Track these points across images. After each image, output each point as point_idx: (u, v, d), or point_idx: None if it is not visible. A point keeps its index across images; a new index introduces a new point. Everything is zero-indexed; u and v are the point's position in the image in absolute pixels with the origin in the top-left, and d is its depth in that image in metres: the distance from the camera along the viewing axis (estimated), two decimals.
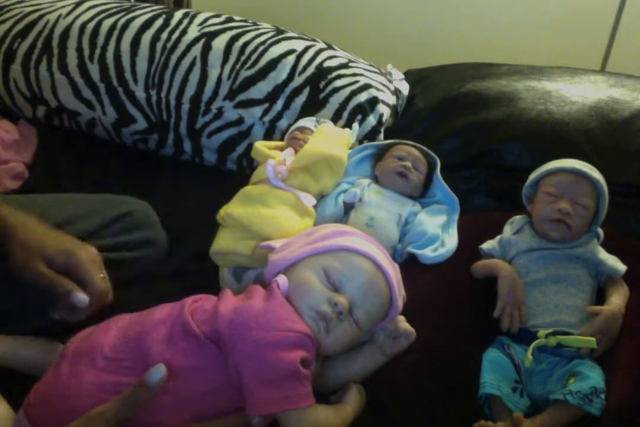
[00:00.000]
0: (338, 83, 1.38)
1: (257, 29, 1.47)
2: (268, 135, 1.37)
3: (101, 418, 0.69)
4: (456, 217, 1.19)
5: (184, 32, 1.44)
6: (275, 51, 1.40)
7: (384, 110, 1.40)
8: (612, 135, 1.32)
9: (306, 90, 1.37)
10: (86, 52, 1.44)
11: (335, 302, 0.83)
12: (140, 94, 1.41)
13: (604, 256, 1.06)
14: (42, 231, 0.86)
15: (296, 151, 1.19)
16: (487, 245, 1.12)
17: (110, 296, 0.85)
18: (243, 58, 1.40)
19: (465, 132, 1.38)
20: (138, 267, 1.06)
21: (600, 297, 1.04)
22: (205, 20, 1.48)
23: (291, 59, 1.40)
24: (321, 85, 1.37)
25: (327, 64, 1.41)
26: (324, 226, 0.99)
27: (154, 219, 1.10)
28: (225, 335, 0.78)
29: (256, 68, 1.38)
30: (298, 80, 1.38)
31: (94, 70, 1.43)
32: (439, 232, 1.14)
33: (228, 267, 1.09)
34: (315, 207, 1.15)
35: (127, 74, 1.41)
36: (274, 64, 1.39)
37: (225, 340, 0.78)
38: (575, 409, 0.88)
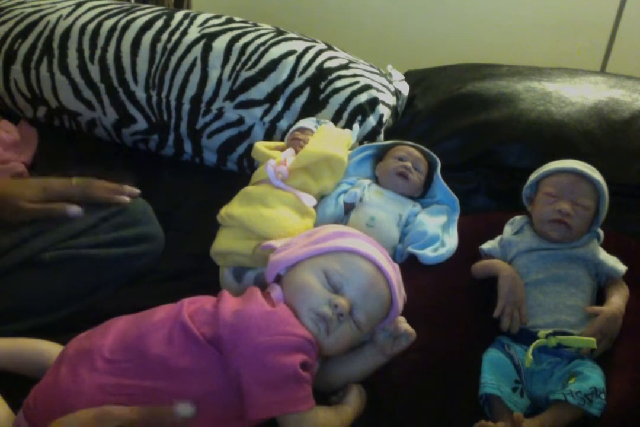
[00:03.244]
0: (338, 84, 1.38)
1: (258, 29, 1.47)
2: (268, 136, 1.37)
3: (114, 422, 0.67)
4: (456, 217, 1.19)
5: (184, 33, 1.44)
6: (275, 52, 1.40)
7: (384, 111, 1.40)
8: (612, 136, 1.32)
9: (306, 91, 1.37)
10: (87, 52, 1.44)
11: (335, 304, 0.83)
12: (140, 94, 1.41)
13: (604, 256, 1.06)
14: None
15: (297, 151, 1.19)
16: (487, 245, 1.12)
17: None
18: (243, 59, 1.40)
19: (466, 133, 1.38)
20: (135, 263, 1.06)
21: (600, 297, 1.04)
22: (206, 21, 1.48)
23: (291, 59, 1.40)
24: (321, 86, 1.37)
25: (328, 64, 1.41)
26: (324, 227, 0.99)
27: (149, 215, 1.09)
28: (225, 338, 0.78)
29: (256, 69, 1.38)
30: (298, 81, 1.38)
31: (94, 70, 1.43)
32: (439, 232, 1.14)
33: (228, 267, 1.09)
34: (315, 207, 1.15)
35: (128, 75, 1.41)
36: (274, 64, 1.39)
37: (225, 343, 0.78)
38: (575, 409, 0.88)
